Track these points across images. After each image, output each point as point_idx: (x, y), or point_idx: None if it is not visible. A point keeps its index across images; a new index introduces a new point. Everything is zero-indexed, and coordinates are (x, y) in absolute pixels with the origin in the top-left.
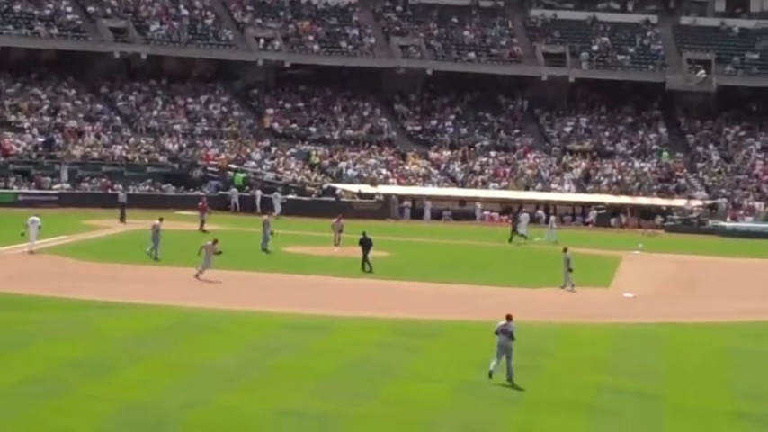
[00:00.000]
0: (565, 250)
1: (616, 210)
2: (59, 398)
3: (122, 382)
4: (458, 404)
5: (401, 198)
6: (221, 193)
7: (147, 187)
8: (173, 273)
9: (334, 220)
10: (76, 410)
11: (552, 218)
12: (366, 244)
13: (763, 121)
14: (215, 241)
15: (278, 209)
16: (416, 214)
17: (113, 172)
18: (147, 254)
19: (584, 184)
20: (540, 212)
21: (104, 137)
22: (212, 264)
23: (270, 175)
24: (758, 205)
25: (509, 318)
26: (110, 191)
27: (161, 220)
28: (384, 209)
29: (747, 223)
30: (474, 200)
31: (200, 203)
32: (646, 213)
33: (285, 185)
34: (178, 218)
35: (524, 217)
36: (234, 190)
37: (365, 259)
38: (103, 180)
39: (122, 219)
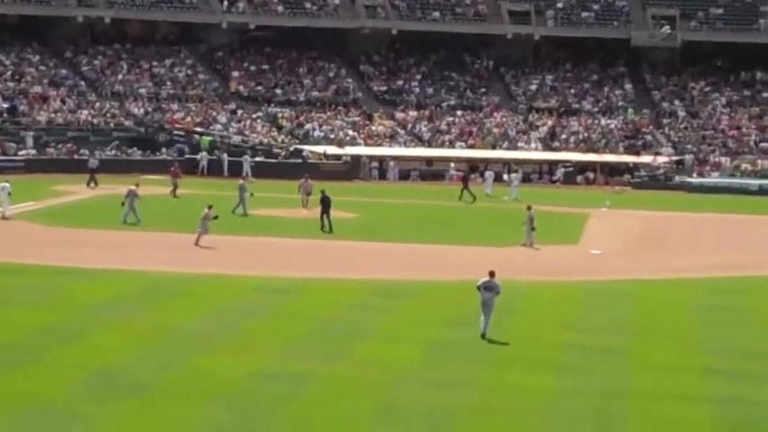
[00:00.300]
0: (529, 208)
1: (583, 167)
2: (30, 365)
3: (94, 348)
4: (427, 363)
5: (369, 159)
6: (189, 156)
7: (114, 152)
8: (143, 237)
9: (301, 180)
10: (48, 377)
11: (513, 175)
12: (326, 203)
13: (728, 76)
14: (210, 206)
15: (247, 171)
16: (384, 175)
17: (79, 137)
18: (123, 222)
19: (550, 142)
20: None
21: (69, 102)
22: (209, 229)
23: (236, 138)
24: (724, 160)
25: (492, 274)
26: (76, 156)
27: (137, 185)
28: (351, 170)
29: (714, 178)
30: (441, 160)
31: (173, 168)
32: (613, 170)
33: (252, 148)
34: (146, 182)
35: (489, 175)
36: (203, 153)
37: (323, 218)
38: (69, 145)
39: (92, 183)
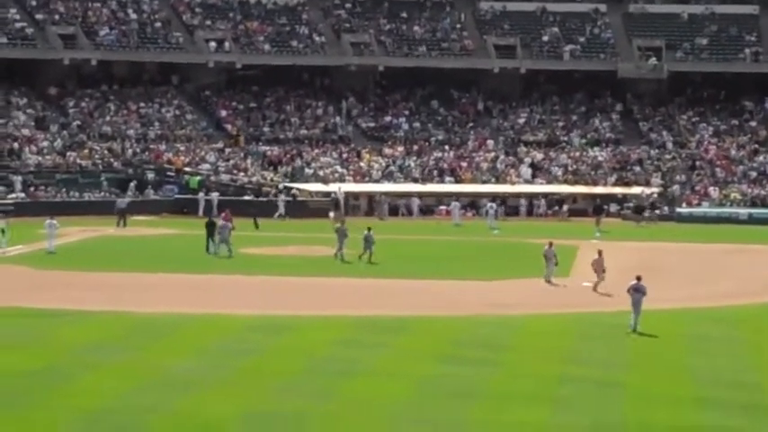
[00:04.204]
0: (550, 245)
1: (559, 200)
2: (16, 409)
3: (81, 390)
4: (420, 400)
5: (355, 195)
6: (177, 197)
7: (103, 193)
8: (132, 278)
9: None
10: (34, 421)
11: (489, 205)
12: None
13: (714, 105)
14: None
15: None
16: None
17: (68, 179)
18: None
19: (533, 176)
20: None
21: (57, 144)
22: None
23: (225, 177)
24: (713, 190)
25: (639, 278)
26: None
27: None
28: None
29: (703, 208)
30: (431, 195)
31: (224, 214)
32: (597, 208)
33: (241, 187)
34: (134, 223)
35: (455, 206)
36: (201, 194)
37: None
38: (56, 188)
39: (122, 223)
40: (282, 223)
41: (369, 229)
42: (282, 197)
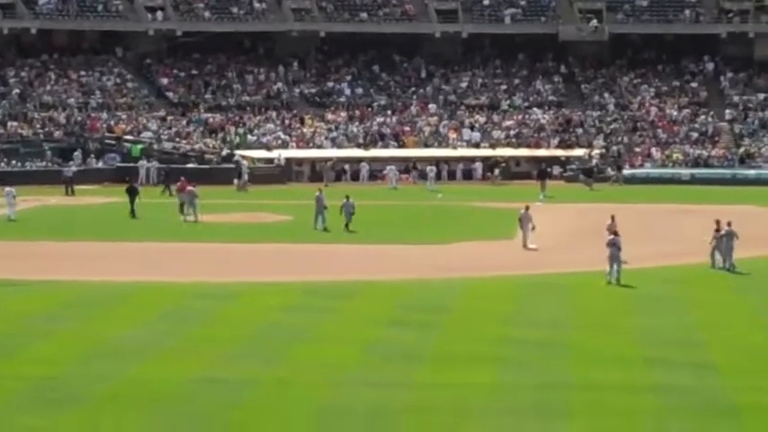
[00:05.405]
0: (527, 208)
1: (491, 165)
2: None
3: (30, 360)
4: (367, 363)
5: (299, 161)
6: (119, 165)
7: (45, 163)
8: (81, 248)
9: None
10: None
11: (429, 169)
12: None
13: (656, 67)
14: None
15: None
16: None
17: (9, 149)
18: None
19: (480, 140)
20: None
21: None
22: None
23: (168, 145)
24: (655, 151)
25: (615, 233)
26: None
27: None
28: (284, 173)
29: (645, 169)
30: (377, 160)
31: (180, 182)
32: (542, 172)
33: (184, 155)
34: (81, 192)
35: (390, 169)
36: (142, 162)
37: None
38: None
39: (71, 192)
40: (234, 191)
41: (347, 197)
42: (245, 164)
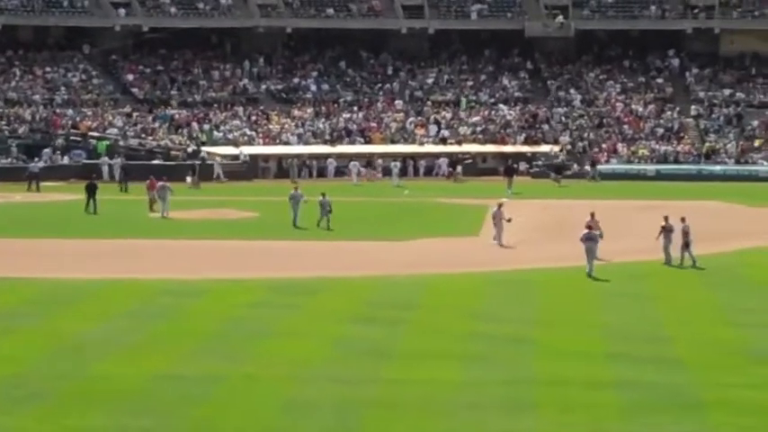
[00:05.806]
0: (500, 205)
1: (453, 162)
2: None
3: None
4: (334, 359)
5: (265, 158)
6: (85, 162)
7: (10, 159)
8: (41, 245)
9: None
10: None
11: (393, 164)
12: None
13: (622, 63)
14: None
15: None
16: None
17: None
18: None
19: (446, 136)
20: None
21: None
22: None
23: (134, 142)
24: (621, 147)
25: (590, 227)
26: None
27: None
28: (250, 170)
29: (611, 165)
30: (342, 156)
31: (149, 180)
32: (509, 169)
33: (150, 151)
34: (47, 189)
35: (353, 165)
36: (104, 158)
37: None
38: None
39: (36, 188)
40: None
41: (323, 194)
42: (218, 160)
